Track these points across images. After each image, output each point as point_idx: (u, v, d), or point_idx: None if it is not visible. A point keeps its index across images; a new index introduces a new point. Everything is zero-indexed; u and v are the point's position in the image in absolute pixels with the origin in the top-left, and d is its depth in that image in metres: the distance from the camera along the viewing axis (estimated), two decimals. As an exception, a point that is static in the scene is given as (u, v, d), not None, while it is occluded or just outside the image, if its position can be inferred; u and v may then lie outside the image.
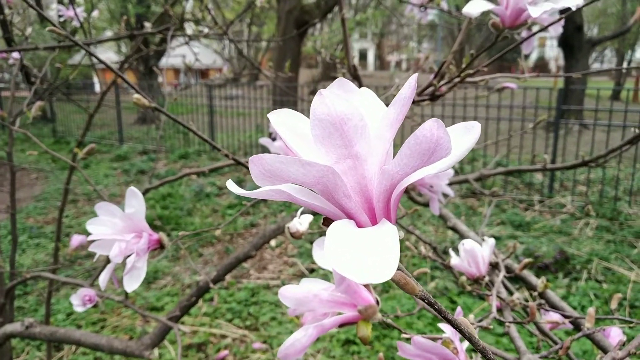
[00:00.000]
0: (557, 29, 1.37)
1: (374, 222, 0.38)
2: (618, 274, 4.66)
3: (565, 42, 11.81)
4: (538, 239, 5.55)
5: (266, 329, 3.87)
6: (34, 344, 3.68)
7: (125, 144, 11.81)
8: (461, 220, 1.61)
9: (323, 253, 0.72)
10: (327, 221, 0.39)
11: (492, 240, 0.97)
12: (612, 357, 0.63)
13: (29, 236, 5.74)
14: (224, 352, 3.36)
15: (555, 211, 6.65)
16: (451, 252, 0.99)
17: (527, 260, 0.95)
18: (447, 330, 0.72)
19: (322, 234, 0.85)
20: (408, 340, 0.69)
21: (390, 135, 0.37)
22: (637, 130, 1.47)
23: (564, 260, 4.91)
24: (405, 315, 0.87)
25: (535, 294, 1.00)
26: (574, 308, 3.57)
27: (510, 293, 1.05)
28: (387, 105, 0.40)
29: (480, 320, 0.87)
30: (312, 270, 4.94)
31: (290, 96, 7.88)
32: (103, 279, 0.82)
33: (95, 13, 2.67)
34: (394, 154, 0.35)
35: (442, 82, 1.10)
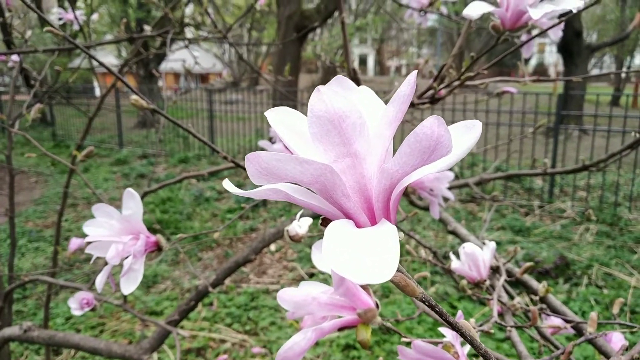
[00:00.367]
0: (557, 33, 1.37)
1: (373, 222, 0.37)
2: (619, 280, 4.65)
3: (564, 48, 11.84)
4: (538, 244, 5.54)
5: (265, 334, 3.85)
6: (32, 348, 3.66)
7: (125, 148, 11.81)
8: (461, 224, 1.60)
9: (322, 256, 0.71)
10: (326, 221, 0.38)
11: (493, 244, 0.96)
12: (615, 362, 0.63)
13: (28, 240, 5.72)
14: (223, 357, 3.35)
15: (555, 216, 6.64)
16: (452, 256, 0.99)
17: (528, 264, 0.94)
18: (448, 334, 0.71)
19: (322, 236, 0.84)
20: (408, 344, 0.68)
21: (389, 133, 0.36)
22: (637, 135, 1.46)
23: (564, 266, 4.90)
24: (406, 320, 0.86)
25: (537, 298, 1.00)
26: (575, 314, 3.56)
27: (511, 297, 1.04)
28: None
29: (481, 325, 0.86)
30: (311, 275, 4.93)
31: (290, 101, 7.89)
32: (100, 281, 0.82)
33: (94, 16, 2.67)
34: (393, 154, 0.35)
35: (442, 86, 1.09)
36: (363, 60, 47.44)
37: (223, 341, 3.77)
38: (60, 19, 2.76)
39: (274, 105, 10.29)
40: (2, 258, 5.15)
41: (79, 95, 14.27)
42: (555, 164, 7.37)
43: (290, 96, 7.34)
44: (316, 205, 0.37)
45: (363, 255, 0.29)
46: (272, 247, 6.26)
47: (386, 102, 0.39)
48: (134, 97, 0.84)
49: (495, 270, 1.01)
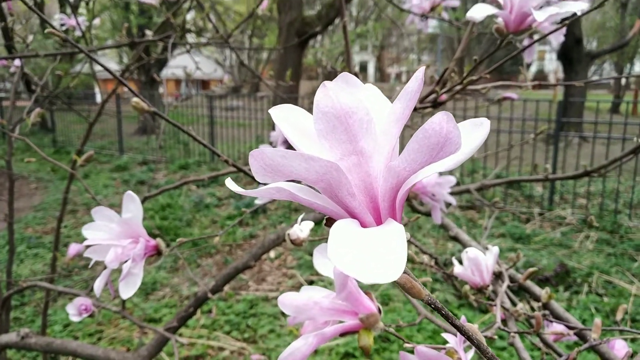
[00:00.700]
0: (559, 38, 1.36)
1: (379, 222, 0.36)
2: (619, 288, 4.63)
3: (564, 55, 11.87)
4: (538, 252, 5.52)
5: (264, 342, 3.83)
6: (29, 355, 3.64)
7: (125, 154, 11.81)
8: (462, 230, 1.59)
9: (324, 260, 0.70)
10: (330, 222, 0.37)
11: (496, 249, 0.95)
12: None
13: (27, 246, 5.70)
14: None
15: (555, 223, 6.62)
16: (454, 261, 0.98)
17: (531, 269, 0.93)
18: (451, 340, 0.70)
19: (323, 241, 0.83)
20: (411, 351, 0.67)
21: (396, 131, 0.36)
22: (639, 140, 1.46)
23: (565, 273, 4.88)
24: (407, 326, 0.85)
25: (539, 304, 0.98)
26: (576, 321, 3.53)
27: (514, 304, 1.03)
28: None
29: (483, 331, 0.85)
30: (311, 282, 4.91)
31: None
32: (98, 285, 0.81)
33: (96, 20, 2.67)
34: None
35: (444, 90, 1.09)
36: (363, 67, 47.60)
37: (222, 349, 3.75)
38: (62, 24, 2.77)
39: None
40: (0, 264, 5.13)
41: (80, 101, 14.30)
42: (555, 171, 7.36)
43: (291, 103, 7.35)
44: (320, 204, 0.36)
45: (369, 254, 0.29)
46: (272, 254, 6.24)
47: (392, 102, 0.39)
48: (135, 99, 0.83)
49: (497, 276, 1.00)
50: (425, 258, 1.03)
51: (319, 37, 23.43)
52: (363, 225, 0.36)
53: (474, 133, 0.36)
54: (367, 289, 0.27)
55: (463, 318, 0.68)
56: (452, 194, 1.38)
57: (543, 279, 4.74)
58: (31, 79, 2.61)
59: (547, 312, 0.96)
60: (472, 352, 0.73)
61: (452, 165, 0.34)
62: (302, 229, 0.69)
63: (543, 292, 0.99)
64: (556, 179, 1.56)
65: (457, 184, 1.74)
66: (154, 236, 0.93)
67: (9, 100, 2.66)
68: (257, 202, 1.11)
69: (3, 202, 2.33)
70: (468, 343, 0.75)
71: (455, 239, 1.42)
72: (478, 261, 0.92)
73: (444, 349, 0.70)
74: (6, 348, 1.78)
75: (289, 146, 0.39)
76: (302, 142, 0.38)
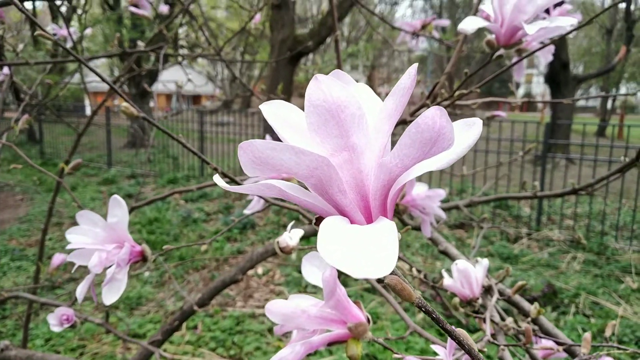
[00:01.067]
0: (548, 57, 1.38)
1: (369, 221, 0.36)
2: (606, 309, 4.64)
3: (552, 78, 12.08)
4: (526, 272, 5.53)
5: (250, 359, 3.77)
6: (8, 370, 3.54)
7: (113, 168, 11.72)
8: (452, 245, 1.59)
9: (313, 269, 0.69)
10: (320, 221, 0.36)
11: (485, 261, 0.94)
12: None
13: (10, 258, 5.60)
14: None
15: (543, 243, 6.65)
16: (444, 273, 0.97)
17: (520, 282, 0.93)
18: (440, 352, 0.69)
19: (313, 249, 0.82)
20: (399, 362, 0.66)
21: (388, 128, 0.35)
22: (626, 159, 1.47)
23: (552, 294, 4.89)
24: (396, 339, 0.84)
25: (529, 319, 0.98)
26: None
27: (503, 319, 1.03)
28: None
29: (472, 345, 0.84)
30: (298, 299, 4.85)
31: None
32: (81, 291, 0.79)
33: (88, 30, 2.67)
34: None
35: (434, 103, 1.09)
36: (354, 87, 47.87)
37: (207, 365, 3.68)
38: (54, 34, 2.76)
39: (265, 128, 10.32)
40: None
41: (69, 113, 14.23)
42: (543, 191, 7.41)
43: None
44: (310, 202, 0.35)
45: (360, 250, 0.28)
46: (260, 270, 6.17)
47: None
48: (124, 104, 0.83)
49: (487, 290, 0.99)
50: (414, 271, 1.02)
51: (310, 56, 23.65)
52: (353, 223, 0.35)
53: (466, 132, 0.35)
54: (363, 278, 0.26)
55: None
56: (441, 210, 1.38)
57: (531, 299, 4.74)
58: (20, 88, 2.59)
59: (536, 327, 0.95)
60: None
61: (444, 164, 0.33)
62: (291, 236, 0.68)
63: (532, 308, 0.98)
64: (544, 197, 1.57)
65: (447, 202, 1.74)
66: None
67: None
68: (246, 211, 1.10)
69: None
70: (457, 355, 0.74)
71: (444, 253, 1.41)
72: (468, 273, 0.91)
73: (433, 361, 0.69)
74: (-16, 361, 1.73)
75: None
76: (293, 138, 0.37)
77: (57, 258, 1.63)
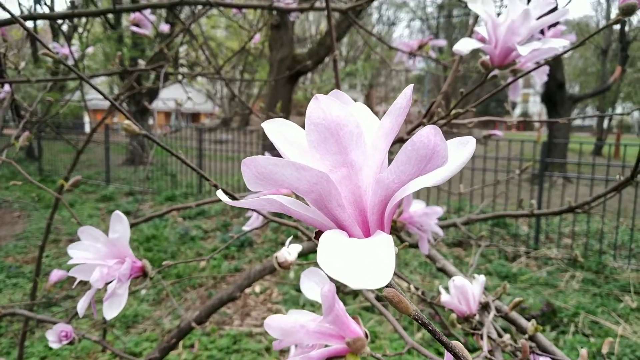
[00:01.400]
0: (543, 78, 1.41)
1: (367, 235, 0.37)
2: (605, 328, 4.61)
3: (548, 98, 12.20)
4: (525, 291, 5.51)
5: (247, 378, 3.73)
6: (1, 389, 3.50)
7: (111, 185, 11.72)
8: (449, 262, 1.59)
9: (311, 285, 0.70)
10: (319, 235, 0.37)
11: (482, 277, 0.95)
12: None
13: (6, 275, 5.57)
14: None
15: (541, 262, 6.64)
16: (441, 290, 0.97)
17: (517, 299, 0.93)
18: (438, 368, 0.70)
19: (311, 265, 0.83)
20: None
21: (385, 145, 0.37)
22: (621, 177, 1.49)
23: (551, 313, 4.87)
24: (394, 355, 0.84)
25: (526, 336, 0.98)
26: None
27: (500, 336, 1.03)
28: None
29: (470, 362, 0.84)
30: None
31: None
32: (82, 305, 0.79)
33: (90, 49, 2.71)
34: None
35: (431, 122, 1.11)
36: (352, 105, 48.16)
37: (203, 385, 3.64)
38: (56, 53, 2.79)
39: (264, 145, 10.36)
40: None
41: (68, 130, 14.29)
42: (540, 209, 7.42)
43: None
44: (310, 216, 0.36)
45: (359, 261, 0.29)
46: (257, 288, 6.14)
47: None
48: (126, 122, 0.84)
49: (484, 307, 1.00)
50: (412, 288, 1.03)
51: (309, 75, 23.85)
52: (351, 237, 0.36)
53: (460, 150, 0.37)
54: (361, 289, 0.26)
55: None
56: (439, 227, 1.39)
57: (529, 318, 4.71)
58: (20, 105, 2.61)
59: (533, 344, 0.96)
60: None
61: (439, 180, 0.35)
62: (290, 252, 0.69)
63: (529, 325, 0.99)
64: (541, 215, 1.58)
65: (444, 219, 1.76)
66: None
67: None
68: (245, 228, 1.11)
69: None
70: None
71: (442, 270, 1.42)
72: (465, 289, 0.92)
73: (431, 377, 0.70)
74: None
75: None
76: (294, 154, 0.38)
77: (55, 274, 1.63)
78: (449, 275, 1.38)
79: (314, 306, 4.43)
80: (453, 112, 1.04)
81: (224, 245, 1.08)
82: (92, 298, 0.81)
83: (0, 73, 2.16)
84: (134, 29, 2.20)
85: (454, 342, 0.40)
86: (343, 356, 0.62)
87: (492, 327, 0.94)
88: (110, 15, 11.65)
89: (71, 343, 1.22)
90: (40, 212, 8.82)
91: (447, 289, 1.03)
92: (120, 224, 0.81)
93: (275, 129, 0.39)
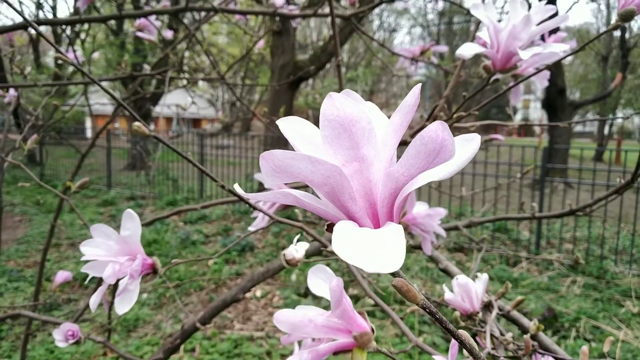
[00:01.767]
0: (543, 83, 1.43)
1: (377, 227, 0.39)
2: (607, 333, 4.62)
3: (548, 104, 12.23)
4: (526, 296, 5.51)
5: (249, 382, 3.73)
6: (3, 393, 3.51)
7: (113, 189, 11.75)
8: (452, 264, 1.61)
9: (319, 281, 0.72)
10: (331, 227, 0.39)
11: (485, 276, 0.97)
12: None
13: (8, 279, 5.58)
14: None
15: (542, 267, 6.65)
16: (445, 288, 0.99)
17: (519, 297, 0.95)
18: (442, 363, 0.71)
19: (317, 262, 0.84)
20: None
21: (394, 141, 0.39)
22: (621, 180, 1.51)
23: (553, 318, 4.87)
24: (400, 352, 0.86)
25: (528, 335, 1.00)
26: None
27: (503, 334, 1.04)
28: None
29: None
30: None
31: (282, 146, 7.98)
32: (94, 301, 0.81)
33: (95, 55, 2.74)
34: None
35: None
36: (353, 111, 48.28)
37: (205, 388, 3.64)
38: (59, 58, 2.82)
39: (265, 150, 10.41)
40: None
41: (70, 136, 14.32)
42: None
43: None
44: (322, 209, 0.38)
45: (372, 248, 0.31)
46: (258, 292, 6.14)
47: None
48: (136, 123, 0.86)
49: (486, 306, 1.01)
50: (415, 286, 1.05)
51: (310, 81, 23.93)
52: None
53: (465, 147, 0.39)
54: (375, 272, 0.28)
55: (453, 341, 0.69)
56: (441, 229, 1.41)
57: (531, 323, 4.72)
58: (26, 109, 2.64)
59: (535, 343, 0.97)
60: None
61: (446, 174, 0.37)
62: (297, 249, 0.71)
63: (531, 324, 1.00)
64: (542, 217, 1.60)
65: (446, 223, 1.77)
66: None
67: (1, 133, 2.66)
68: (251, 228, 1.13)
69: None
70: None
71: (444, 271, 1.44)
72: (468, 287, 0.94)
73: (435, 372, 0.71)
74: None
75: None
76: (307, 150, 0.40)
77: (61, 275, 1.65)
78: (452, 276, 1.40)
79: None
80: (456, 115, 1.06)
81: (231, 244, 1.09)
82: (104, 293, 0.83)
83: (2, 78, 2.18)
84: (140, 34, 2.23)
85: (460, 331, 0.42)
86: (350, 350, 0.64)
87: (494, 326, 0.96)
88: (112, 22, 11.72)
89: (77, 342, 1.23)
90: (41, 216, 8.84)
91: (451, 290, 1.04)
92: (131, 221, 0.83)
93: (290, 126, 0.42)
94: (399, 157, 0.37)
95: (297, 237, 0.70)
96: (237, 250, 6.95)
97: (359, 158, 0.38)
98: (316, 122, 0.43)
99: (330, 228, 0.40)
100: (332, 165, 0.34)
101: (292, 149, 0.40)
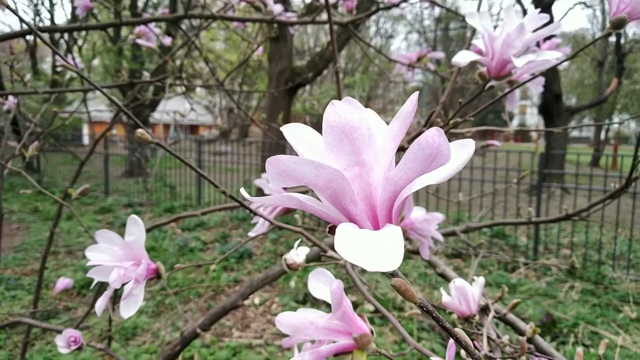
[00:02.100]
0: (539, 88, 1.45)
1: (376, 229, 0.41)
2: (605, 338, 4.62)
3: (545, 109, 12.30)
4: (524, 302, 5.52)
5: (247, 389, 3.73)
6: (1, 401, 3.49)
7: (110, 197, 11.74)
8: (450, 268, 1.62)
9: (319, 284, 0.73)
10: (333, 229, 0.41)
11: (481, 279, 0.99)
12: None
13: (5, 288, 5.57)
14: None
15: (540, 272, 6.66)
16: (442, 291, 1.01)
17: (515, 300, 0.96)
18: (440, 364, 0.73)
19: (317, 267, 0.86)
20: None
21: (393, 147, 0.40)
22: (616, 185, 1.53)
23: (551, 324, 4.88)
24: (398, 355, 0.87)
25: (524, 338, 1.01)
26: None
27: (499, 337, 1.06)
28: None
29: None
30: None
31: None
32: (100, 305, 0.82)
33: (95, 61, 2.76)
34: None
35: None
36: (350, 118, 48.40)
37: (203, 395, 3.64)
38: (60, 65, 2.84)
39: (263, 157, 10.39)
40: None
41: (67, 143, 14.32)
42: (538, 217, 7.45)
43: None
44: (324, 211, 0.40)
45: (373, 248, 0.33)
46: (256, 300, 6.13)
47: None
48: (139, 130, 0.88)
49: (483, 309, 1.03)
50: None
51: (307, 87, 24.00)
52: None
53: (460, 151, 0.40)
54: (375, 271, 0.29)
55: (451, 342, 0.70)
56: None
57: (529, 328, 4.72)
58: (25, 116, 2.65)
59: (531, 346, 0.99)
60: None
61: (442, 178, 0.38)
62: (298, 253, 0.73)
63: (528, 327, 1.02)
64: (539, 222, 1.62)
65: (443, 228, 1.79)
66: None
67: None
68: (251, 234, 1.14)
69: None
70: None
71: (442, 275, 1.45)
72: (465, 290, 0.95)
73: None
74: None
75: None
76: (310, 155, 0.42)
77: (61, 282, 1.66)
78: (449, 281, 1.41)
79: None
80: (452, 121, 1.08)
81: (231, 250, 1.09)
82: (110, 297, 0.85)
83: (1, 85, 2.20)
84: (139, 41, 2.25)
85: (456, 330, 0.44)
86: (350, 352, 0.65)
87: (491, 329, 0.97)
88: (109, 29, 11.75)
89: (79, 349, 1.24)
90: (38, 224, 8.82)
91: (448, 294, 1.06)
92: (136, 227, 0.84)
93: (293, 132, 0.43)
94: (397, 162, 0.39)
95: (298, 242, 0.72)
96: (236, 257, 6.95)
97: (359, 163, 0.39)
98: (313, 128, 0.45)
99: (331, 230, 0.41)
100: (335, 169, 0.36)
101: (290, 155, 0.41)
